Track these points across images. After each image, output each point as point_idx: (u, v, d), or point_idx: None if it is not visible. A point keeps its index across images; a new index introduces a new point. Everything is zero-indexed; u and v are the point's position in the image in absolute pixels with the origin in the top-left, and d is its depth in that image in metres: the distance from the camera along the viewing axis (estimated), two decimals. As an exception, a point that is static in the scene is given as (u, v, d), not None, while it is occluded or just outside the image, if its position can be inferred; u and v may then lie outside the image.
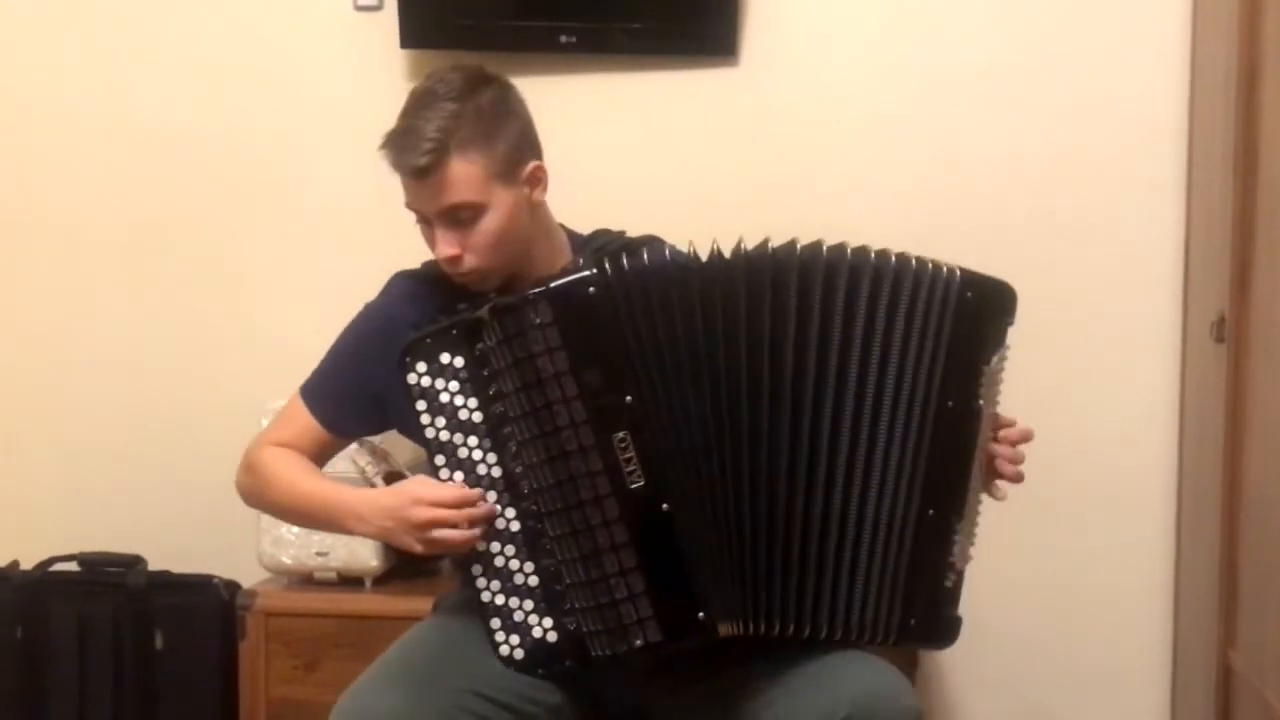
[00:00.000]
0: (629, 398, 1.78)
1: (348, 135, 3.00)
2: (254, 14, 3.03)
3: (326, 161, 3.02)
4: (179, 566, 2.88)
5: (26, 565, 2.91)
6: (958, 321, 1.86)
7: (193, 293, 3.08)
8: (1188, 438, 2.71)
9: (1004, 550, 2.72)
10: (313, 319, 2.97)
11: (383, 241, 2.95)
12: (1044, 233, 2.78)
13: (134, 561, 2.87)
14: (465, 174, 1.88)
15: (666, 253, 1.84)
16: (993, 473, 1.94)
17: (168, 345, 3.09)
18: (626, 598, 1.79)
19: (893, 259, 1.85)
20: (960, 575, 1.93)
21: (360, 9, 2.94)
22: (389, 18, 2.89)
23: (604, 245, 2.05)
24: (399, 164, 1.90)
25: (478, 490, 1.83)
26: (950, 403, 1.86)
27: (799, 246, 1.84)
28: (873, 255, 1.85)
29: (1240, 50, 2.30)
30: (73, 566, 2.90)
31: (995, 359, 1.91)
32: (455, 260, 1.93)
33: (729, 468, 1.81)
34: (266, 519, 2.72)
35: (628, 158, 2.88)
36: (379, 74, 2.96)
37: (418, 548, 1.87)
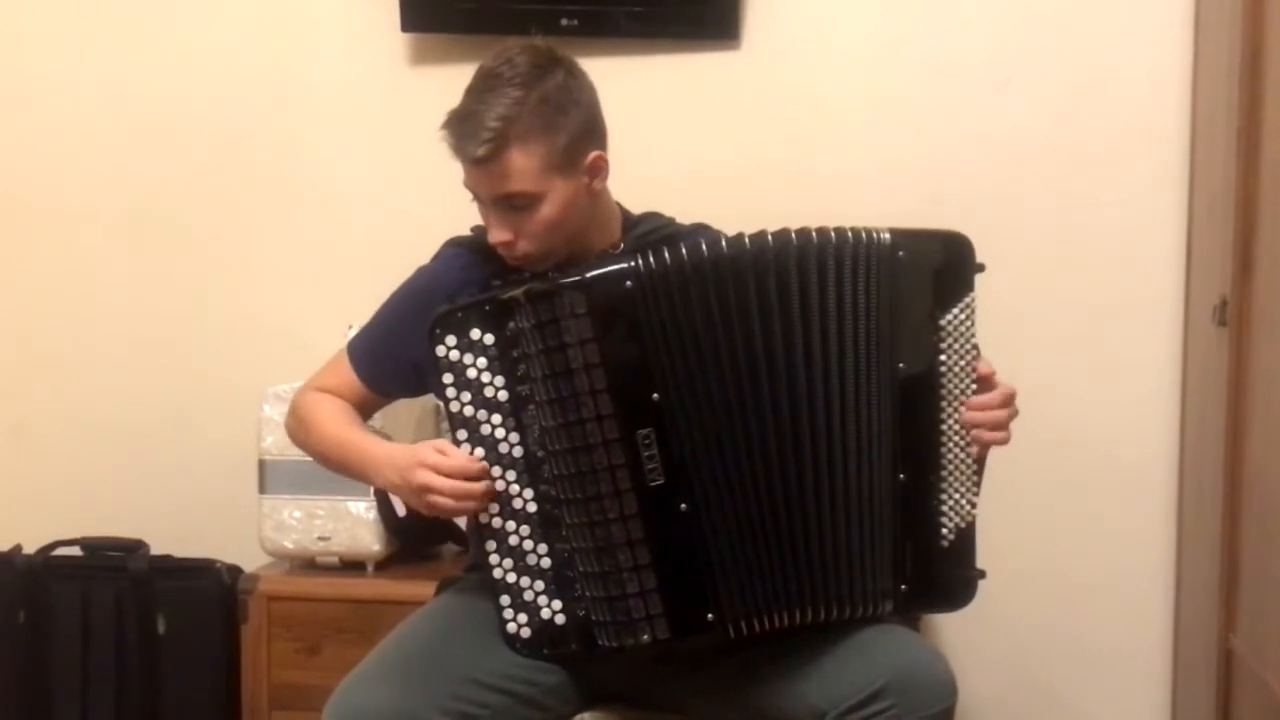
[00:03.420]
0: (656, 395, 1.78)
1: (349, 120, 3.01)
2: (255, -1, 3.03)
3: (328, 146, 3.02)
4: (181, 551, 2.89)
5: (29, 549, 2.91)
6: (894, 283, 1.85)
7: (193, 278, 3.08)
8: (1189, 422, 2.71)
9: (1006, 534, 2.73)
10: (313, 304, 3.00)
11: (384, 226, 2.98)
12: (1045, 216, 2.78)
13: (136, 546, 2.87)
14: (524, 165, 1.86)
15: (704, 246, 1.82)
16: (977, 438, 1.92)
17: (170, 331, 3.09)
18: (638, 593, 1.80)
19: (832, 235, 1.83)
20: (963, 532, 1.90)
21: (361, -8, 2.94)
22: (390, 1, 2.88)
23: (650, 231, 2.04)
24: (458, 150, 1.88)
25: (482, 465, 1.84)
26: (901, 364, 1.85)
27: (747, 238, 1.84)
28: (814, 235, 1.83)
29: (1243, 33, 2.30)
30: (75, 551, 2.90)
31: (955, 311, 1.88)
32: (509, 245, 1.93)
33: (749, 467, 1.81)
34: (268, 503, 2.72)
35: (629, 141, 2.85)
36: (380, 57, 2.96)
37: (421, 507, 1.89)
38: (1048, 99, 2.77)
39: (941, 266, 1.89)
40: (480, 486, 1.83)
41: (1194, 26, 2.68)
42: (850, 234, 1.84)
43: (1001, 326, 2.70)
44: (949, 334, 1.88)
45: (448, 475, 1.83)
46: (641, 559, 1.79)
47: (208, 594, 2.80)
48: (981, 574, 1.93)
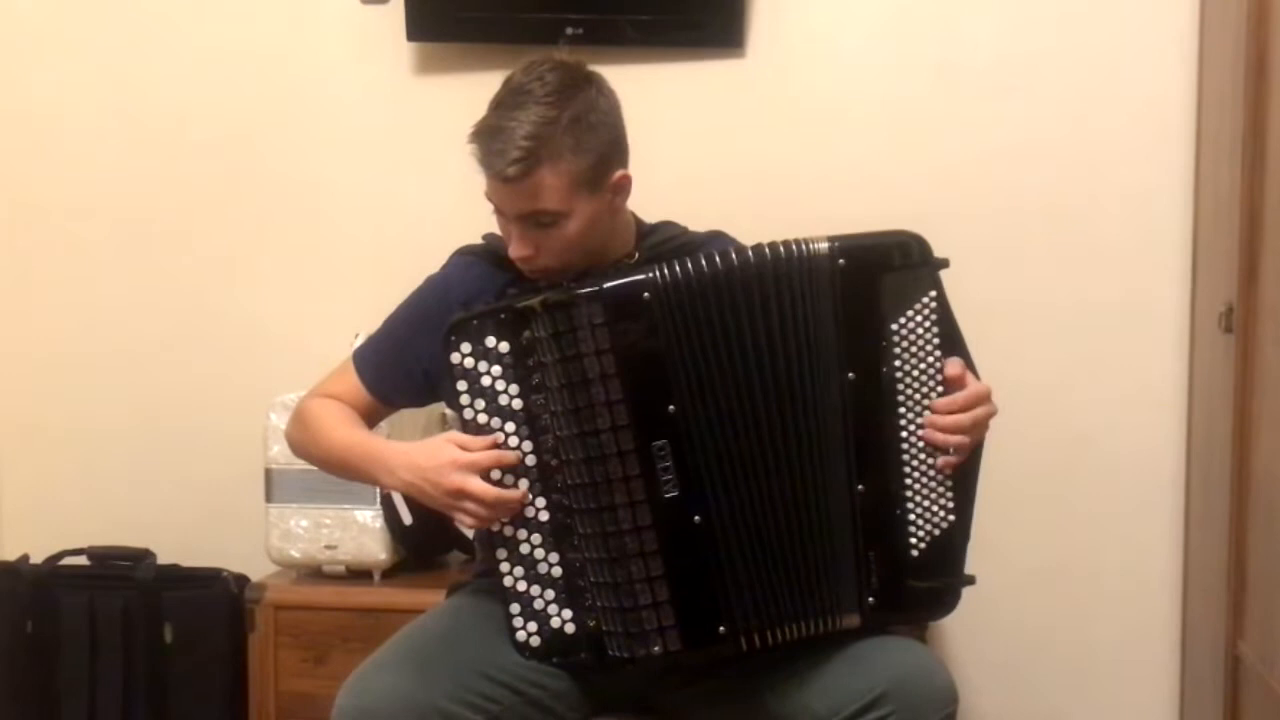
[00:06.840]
0: (672, 406, 1.79)
1: (355, 129, 3.01)
2: (261, 7, 3.03)
3: (334, 155, 3.02)
4: (188, 560, 2.89)
5: (36, 559, 2.91)
6: (836, 292, 1.81)
7: (200, 287, 3.08)
8: (1196, 429, 2.71)
9: (1013, 540, 2.74)
10: (320, 313, 3.01)
11: (390, 235, 2.98)
12: (1052, 223, 2.78)
13: (143, 555, 2.87)
14: (552, 184, 1.86)
15: (718, 258, 1.82)
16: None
17: (176, 340, 3.09)
18: (650, 604, 1.80)
19: (766, 251, 1.82)
20: (938, 541, 1.86)
21: (367, 2, 2.94)
22: (395, 10, 2.89)
23: (664, 241, 2.04)
24: (486, 164, 1.87)
25: (515, 454, 1.83)
26: (851, 375, 1.83)
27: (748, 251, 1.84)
28: (751, 254, 1.82)
29: (1249, 40, 2.30)
30: (82, 560, 2.91)
31: (910, 314, 1.83)
32: (528, 259, 1.93)
33: (755, 479, 1.82)
34: (275, 512, 2.73)
35: (634, 149, 2.88)
36: (386, 67, 2.97)
37: (444, 509, 1.88)
38: (1053, 105, 2.77)
39: (889, 270, 1.84)
40: (516, 494, 1.84)
41: (1199, 32, 2.68)
42: (793, 247, 1.82)
43: (1007, 331, 2.72)
44: (903, 338, 1.84)
45: (482, 471, 1.82)
46: (654, 570, 1.79)
47: (215, 603, 2.80)
48: (969, 580, 1.89)
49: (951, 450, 1.84)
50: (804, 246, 1.82)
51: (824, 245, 1.82)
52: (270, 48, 3.03)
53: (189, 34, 3.06)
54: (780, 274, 1.81)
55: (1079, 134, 2.76)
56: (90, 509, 3.09)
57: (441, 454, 1.85)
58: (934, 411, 1.84)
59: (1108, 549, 2.80)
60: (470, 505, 1.83)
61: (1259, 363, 2.27)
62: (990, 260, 2.75)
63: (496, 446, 1.84)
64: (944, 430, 1.83)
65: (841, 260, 1.82)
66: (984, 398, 1.86)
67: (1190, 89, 2.70)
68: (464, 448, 1.84)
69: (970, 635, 2.80)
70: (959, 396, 1.84)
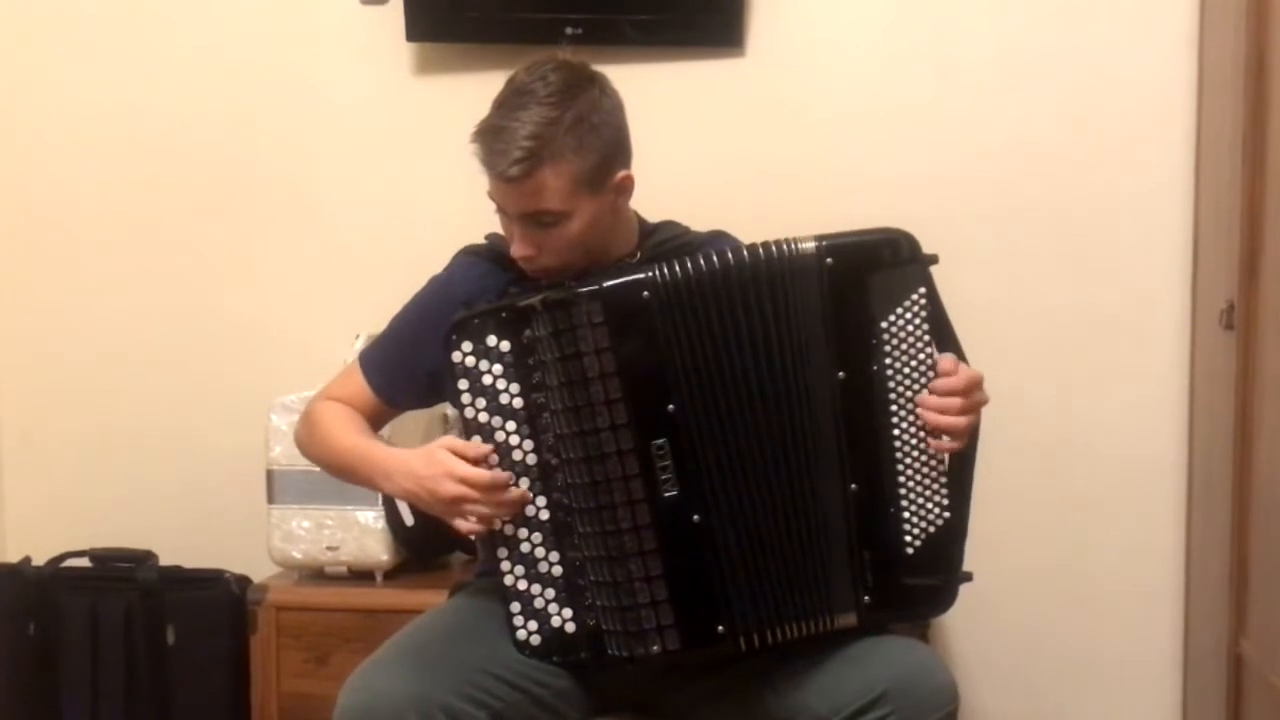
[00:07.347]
0: (671, 405, 1.79)
1: (355, 130, 3.02)
2: (261, 8, 3.03)
3: (334, 156, 3.02)
4: (190, 561, 2.89)
5: (38, 561, 2.91)
6: (824, 292, 1.82)
7: (201, 288, 3.09)
8: (1198, 426, 2.71)
9: (1014, 539, 2.74)
10: (321, 314, 3.01)
11: (391, 235, 2.98)
12: (1053, 221, 2.78)
13: (145, 557, 2.88)
14: (555, 184, 1.86)
15: (715, 258, 1.82)
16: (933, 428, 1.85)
17: (178, 341, 3.10)
18: (649, 603, 1.81)
19: (760, 251, 1.83)
20: (934, 538, 1.86)
21: (366, 2, 2.94)
22: (395, 11, 2.89)
23: (666, 240, 2.04)
24: (489, 164, 1.88)
25: (508, 474, 1.84)
26: (841, 374, 1.83)
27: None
28: (745, 254, 1.83)
29: (1248, 38, 2.30)
30: (84, 562, 2.91)
31: (900, 311, 1.83)
32: (530, 259, 1.93)
33: (754, 479, 1.82)
34: (276, 513, 2.73)
35: (634, 148, 2.89)
36: (385, 67, 2.97)
37: (444, 515, 1.88)
38: (1053, 104, 2.77)
39: (877, 268, 1.84)
40: (512, 496, 1.84)
41: (1199, 31, 2.68)
42: (782, 247, 1.82)
43: (1008, 330, 2.72)
44: (894, 335, 1.84)
45: (480, 489, 1.83)
46: (653, 570, 1.80)
47: (217, 604, 2.80)
48: (967, 577, 1.88)
49: (945, 436, 1.84)
50: (791, 247, 1.83)
51: (810, 245, 1.83)
52: (270, 48, 3.04)
53: (188, 34, 3.07)
54: (774, 274, 1.82)
55: (1079, 134, 2.76)
56: (92, 511, 3.10)
57: (438, 463, 1.86)
58: (931, 393, 1.83)
59: (1109, 547, 2.80)
60: (470, 508, 1.84)
61: (1260, 360, 2.27)
62: (990, 259, 2.75)
63: (495, 447, 1.84)
64: (940, 412, 1.83)
65: (829, 260, 1.83)
66: (977, 383, 1.86)
67: (1190, 88, 2.70)
68: (460, 455, 1.85)
69: (972, 634, 2.80)
70: (953, 380, 1.83)
